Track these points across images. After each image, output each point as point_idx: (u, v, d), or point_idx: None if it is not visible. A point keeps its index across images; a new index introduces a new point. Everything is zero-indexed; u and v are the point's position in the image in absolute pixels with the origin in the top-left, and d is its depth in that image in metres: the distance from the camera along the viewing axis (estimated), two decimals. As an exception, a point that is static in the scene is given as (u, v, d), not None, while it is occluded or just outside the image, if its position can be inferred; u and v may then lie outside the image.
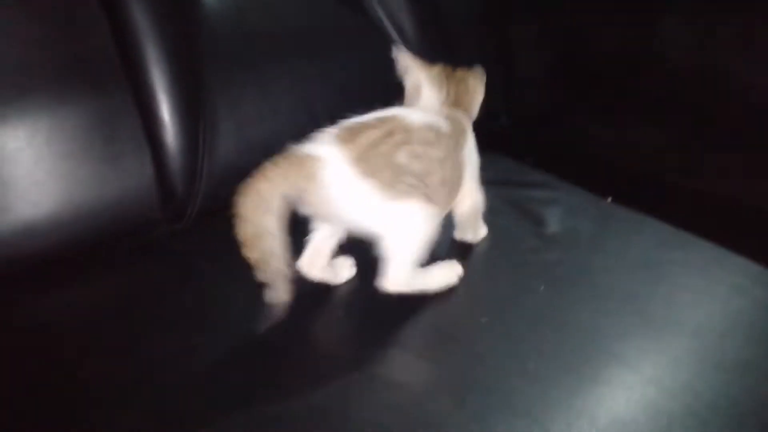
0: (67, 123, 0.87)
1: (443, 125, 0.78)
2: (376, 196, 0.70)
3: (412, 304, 0.75)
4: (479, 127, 0.89)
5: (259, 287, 0.81)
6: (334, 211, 0.72)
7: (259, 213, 0.68)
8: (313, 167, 0.70)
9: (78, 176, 0.87)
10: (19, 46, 0.83)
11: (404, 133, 0.73)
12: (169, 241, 0.91)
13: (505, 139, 1.19)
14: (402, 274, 0.74)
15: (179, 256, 0.88)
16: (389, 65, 0.90)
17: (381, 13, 1.11)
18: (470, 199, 0.84)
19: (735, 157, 0.96)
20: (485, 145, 0.88)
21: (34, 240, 0.84)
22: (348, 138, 0.72)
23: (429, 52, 1.13)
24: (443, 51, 1.13)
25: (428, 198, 0.73)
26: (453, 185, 0.78)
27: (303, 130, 1.02)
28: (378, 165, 0.70)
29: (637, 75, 1.04)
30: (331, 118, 1.04)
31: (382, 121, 0.74)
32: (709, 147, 0.99)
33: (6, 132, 0.82)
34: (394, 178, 0.71)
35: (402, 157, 0.71)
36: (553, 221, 0.90)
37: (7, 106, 0.82)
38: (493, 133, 1.10)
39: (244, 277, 0.82)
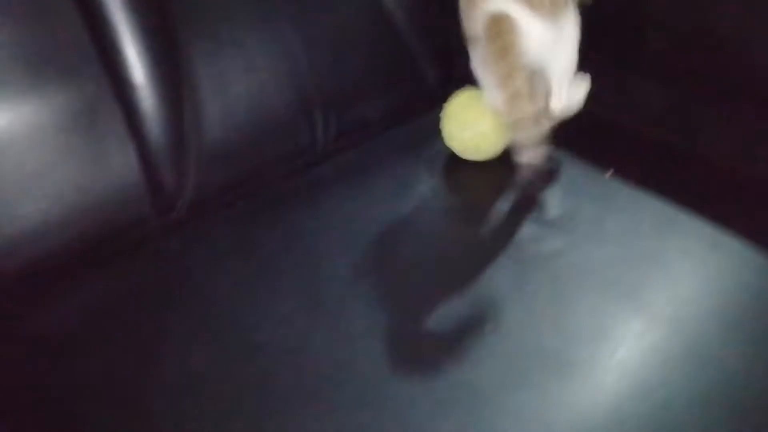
0: (45, 120, 0.83)
1: None
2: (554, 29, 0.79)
3: (409, 311, 0.75)
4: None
5: (261, 290, 0.80)
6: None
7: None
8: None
9: (62, 177, 0.83)
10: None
11: None
12: (163, 238, 0.89)
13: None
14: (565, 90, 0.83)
15: (175, 255, 0.86)
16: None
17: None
18: None
19: (735, 121, 0.94)
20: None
21: (22, 251, 0.81)
22: None
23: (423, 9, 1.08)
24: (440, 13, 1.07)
25: None
26: None
27: (292, 108, 0.99)
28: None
29: (638, 34, 0.99)
30: (322, 96, 1.00)
31: None
32: (710, 110, 0.96)
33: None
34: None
35: None
36: (553, 203, 0.88)
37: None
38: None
39: (243, 279, 0.82)
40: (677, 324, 0.72)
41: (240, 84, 0.94)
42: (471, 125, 0.92)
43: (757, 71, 0.90)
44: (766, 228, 0.81)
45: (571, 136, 1.00)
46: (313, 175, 0.99)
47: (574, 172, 0.94)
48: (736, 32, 0.92)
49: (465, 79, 1.12)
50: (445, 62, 1.11)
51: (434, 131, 0.96)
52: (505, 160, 0.96)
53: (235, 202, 0.94)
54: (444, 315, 0.75)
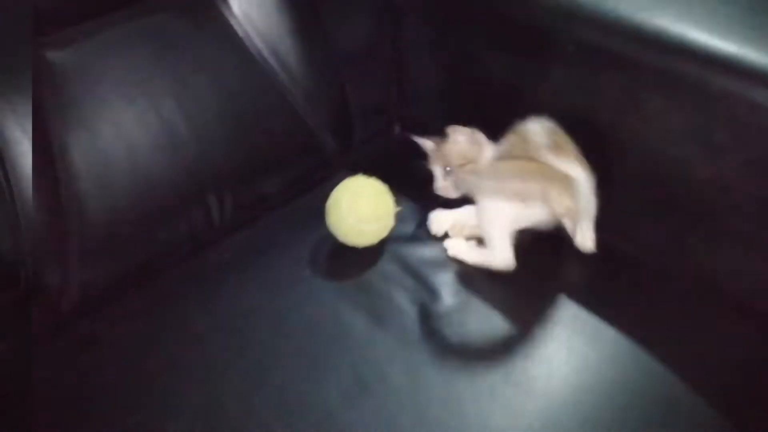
0: None
1: None
2: None
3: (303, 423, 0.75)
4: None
5: (153, 405, 0.78)
6: None
7: None
8: None
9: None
10: None
11: None
12: (48, 342, 0.84)
13: (396, 157, 1.14)
14: None
15: (60, 362, 0.82)
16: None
17: (260, 45, 1.00)
18: None
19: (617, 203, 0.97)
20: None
21: None
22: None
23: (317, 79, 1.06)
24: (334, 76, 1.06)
25: None
26: None
27: (181, 192, 0.96)
28: None
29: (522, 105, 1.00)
30: (214, 176, 0.97)
31: None
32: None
33: None
34: None
35: None
36: (447, 291, 0.89)
37: None
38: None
39: (132, 391, 0.79)
40: (559, 427, 0.75)
41: (122, 172, 0.91)
42: (349, 216, 0.92)
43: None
44: (646, 318, 0.85)
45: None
46: (210, 258, 0.96)
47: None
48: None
49: (362, 146, 1.13)
50: (342, 129, 1.10)
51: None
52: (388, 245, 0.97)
53: (126, 295, 0.91)
54: (341, 425, 0.76)
